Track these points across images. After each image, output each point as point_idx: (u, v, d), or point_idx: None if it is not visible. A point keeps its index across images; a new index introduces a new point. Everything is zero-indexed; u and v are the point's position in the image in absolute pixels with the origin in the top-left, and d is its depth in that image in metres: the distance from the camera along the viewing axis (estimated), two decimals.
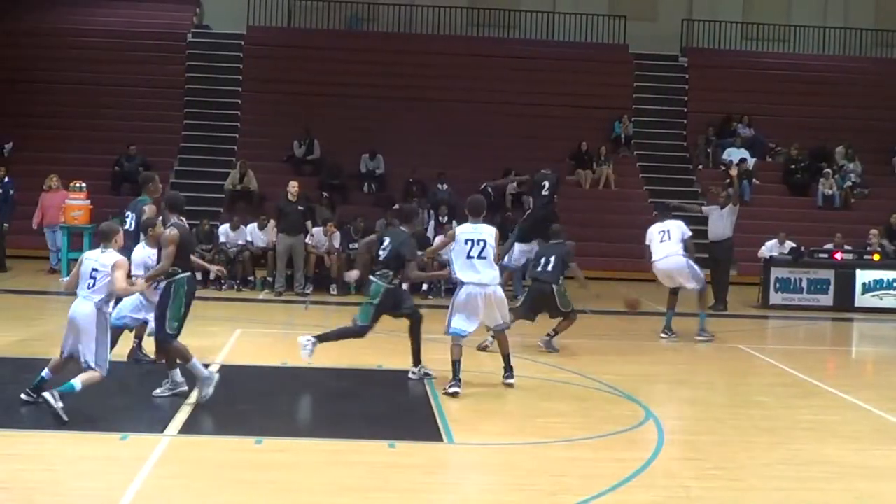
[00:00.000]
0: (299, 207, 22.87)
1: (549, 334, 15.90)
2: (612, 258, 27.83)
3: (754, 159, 32.14)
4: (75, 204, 23.00)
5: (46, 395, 10.51)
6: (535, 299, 16.11)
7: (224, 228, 23.28)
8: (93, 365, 10.65)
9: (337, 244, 22.89)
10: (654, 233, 17.60)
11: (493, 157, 30.48)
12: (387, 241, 13.46)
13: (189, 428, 10.55)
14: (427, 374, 13.40)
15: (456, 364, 12.61)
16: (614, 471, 9.50)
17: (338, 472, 9.30)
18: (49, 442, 9.97)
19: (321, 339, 13.40)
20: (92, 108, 31.77)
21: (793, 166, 32.00)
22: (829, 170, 31.51)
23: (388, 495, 8.76)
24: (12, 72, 31.28)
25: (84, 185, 23.45)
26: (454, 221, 24.84)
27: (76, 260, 22.49)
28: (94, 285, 10.71)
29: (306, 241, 22.80)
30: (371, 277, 13.39)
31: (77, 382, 10.55)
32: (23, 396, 11.07)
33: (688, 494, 9.00)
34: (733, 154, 32.06)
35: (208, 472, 9.21)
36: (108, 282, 10.66)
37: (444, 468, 9.60)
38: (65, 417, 10.28)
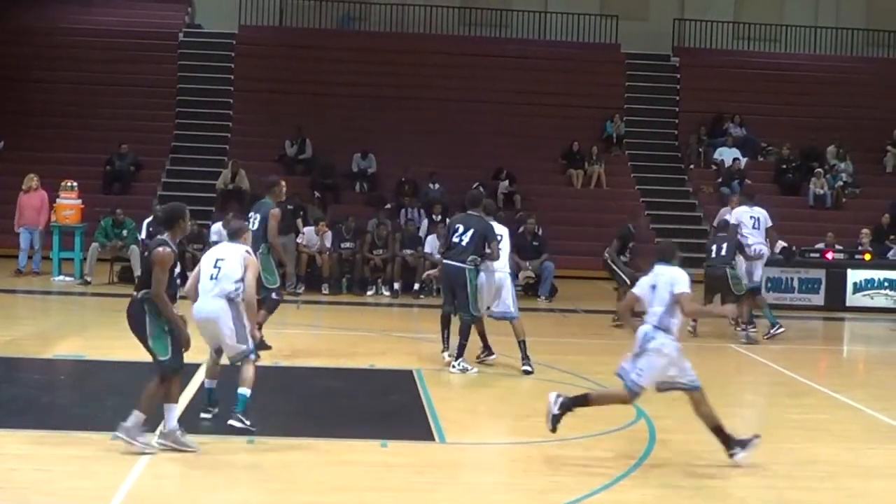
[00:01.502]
0: (289, 207, 22.82)
1: (744, 328, 17.02)
2: (602, 258, 27.81)
3: (746, 159, 32.15)
4: (67, 203, 22.93)
5: (232, 422, 10.20)
6: (709, 283, 17.53)
7: (216, 227, 23.22)
8: (239, 354, 10.36)
9: (328, 244, 22.89)
10: (745, 217, 18.31)
11: (485, 157, 30.54)
12: (461, 227, 13.67)
13: (182, 428, 10.53)
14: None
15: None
16: (606, 470, 9.52)
17: (330, 471, 9.31)
18: (42, 442, 9.96)
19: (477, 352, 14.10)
20: (83, 108, 31.72)
21: (784, 166, 32.04)
22: (820, 169, 31.55)
23: (380, 494, 8.77)
24: (4, 70, 31.23)
25: (75, 184, 23.38)
26: (447, 220, 24.86)
27: (69, 260, 22.63)
28: (217, 275, 10.38)
29: (297, 240, 22.80)
30: (458, 263, 13.59)
31: (243, 390, 10.25)
32: (203, 416, 10.76)
33: (678, 494, 9.03)
34: (725, 154, 32.12)
35: (201, 471, 9.22)
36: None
37: (436, 468, 9.61)
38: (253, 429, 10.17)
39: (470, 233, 13.57)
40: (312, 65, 33.58)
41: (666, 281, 9.72)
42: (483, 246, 13.54)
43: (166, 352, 9.56)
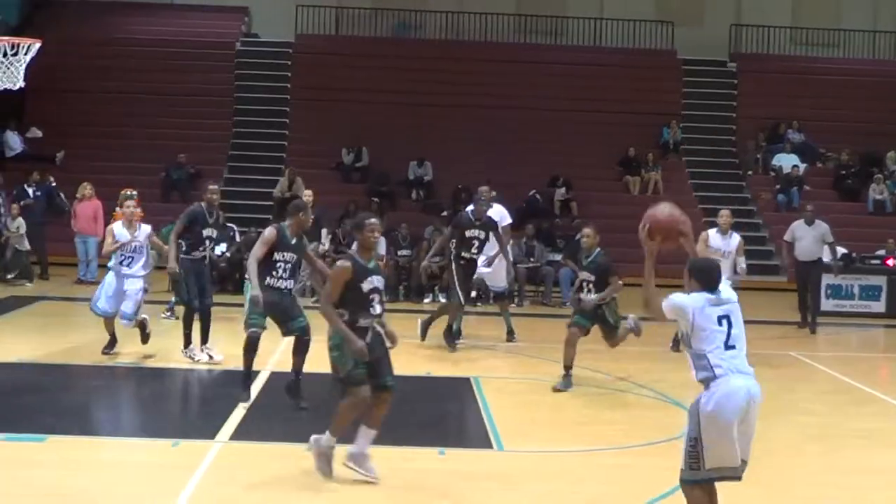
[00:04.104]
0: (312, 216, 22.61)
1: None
2: (659, 265, 27.62)
3: (804, 165, 31.92)
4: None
5: None
6: None
7: None
8: None
9: (382, 251, 22.89)
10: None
11: (541, 164, 30.50)
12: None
13: (240, 435, 10.61)
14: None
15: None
16: (664, 478, 9.43)
17: (387, 478, 9.31)
18: (101, 448, 10.05)
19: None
20: (141, 117, 31.98)
21: (843, 172, 31.78)
22: (880, 175, 31.25)
23: (436, 502, 8.76)
24: (64, 81, 31.51)
25: (135, 192, 23.49)
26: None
27: None
28: None
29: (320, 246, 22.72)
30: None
31: None
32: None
33: (735, 501, 8.95)
34: (783, 160, 31.90)
35: (259, 478, 9.25)
36: None
37: (493, 475, 9.59)
38: None
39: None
40: (368, 73, 33.64)
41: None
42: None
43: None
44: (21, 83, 13.59)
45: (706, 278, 7.58)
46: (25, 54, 13.51)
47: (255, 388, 12.43)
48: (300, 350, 11.79)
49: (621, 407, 12.73)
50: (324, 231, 23.29)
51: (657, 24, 36.37)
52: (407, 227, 23.65)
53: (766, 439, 11.32)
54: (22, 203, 24.52)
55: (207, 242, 14.41)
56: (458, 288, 16.07)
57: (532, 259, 23.62)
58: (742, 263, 15.86)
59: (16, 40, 13.67)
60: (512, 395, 12.99)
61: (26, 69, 13.54)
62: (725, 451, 7.24)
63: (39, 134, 31.46)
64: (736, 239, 16.13)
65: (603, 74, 34.05)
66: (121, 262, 14.47)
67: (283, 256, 11.82)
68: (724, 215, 16.33)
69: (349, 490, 8.97)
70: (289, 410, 11.68)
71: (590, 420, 11.95)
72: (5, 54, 13.47)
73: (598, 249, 13.72)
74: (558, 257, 23.81)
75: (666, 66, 35.20)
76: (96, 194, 24.06)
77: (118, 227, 14.79)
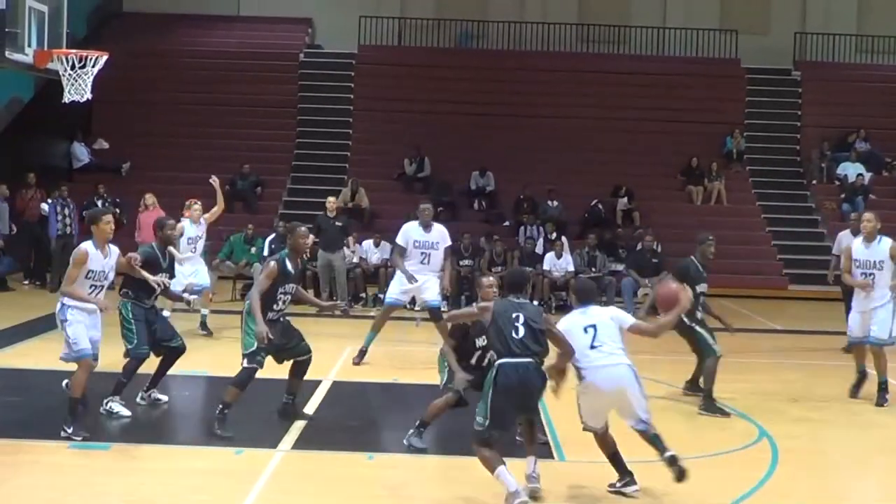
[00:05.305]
0: (337, 223, 22.73)
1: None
2: (723, 275, 27.50)
3: (870, 174, 31.61)
4: None
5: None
6: None
7: None
8: None
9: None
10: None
11: (604, 173, 30.44)
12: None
13: (302, 443, 10.69)
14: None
15: None
16: (726, 490, 9.42)
17: (449, 487, 9.35)
18: (164, 456, 10.17)
19: None
20: (206, 128, 32.32)
21: None
22: None
23: None
24: (131, 93, 31.87)
25: (199, 203, 23.72)
26: (563, 238, 24.79)
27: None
28: None
29: (350, 254, 22.85)
30: None
31: None
32: None
33: None
34: (848, 169, 31.60)
35: (321, 487, 9.32)
36: None
37: (554, 486, 9.58)
38: None
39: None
40: (431, 83, 33.73)
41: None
42: None
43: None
44: (88, 95, 13.73)
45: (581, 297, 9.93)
46: (93, 67, 13.65)
47: (317, 398, 12.53)
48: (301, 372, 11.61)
49: (684, 417, 12.66)
50: (350, 240, 23.38)
51: (721, 33, 36.14)
52: (469, 237, 23.71)
53: (833, 451, 11.27)
54: None
55: (158, 288, 11.83)
56: None
57: (594, 269, 23.56)
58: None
59: (84, 53, 13.83)
60: (575, 406, 12.96)
61: (93, 81, 13.70)
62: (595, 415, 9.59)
63: (106, 145, 31.88)
64: (887, 243, 13.78)
65: (666, 83, 33.88)
66: (90, 293, 10.98)
67: (285, 289, 11.09)
68: (867, 219, 13.98)
69: (408, 498, 9.00)
70: (350, 420, 11.76)
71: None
72: (73, 67, 13.61)
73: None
74: (620, 267, 23.85)
75: (729, 75, 34.96)
76: (161, 205, 24.26)
77: (91, 248, 10.99)
